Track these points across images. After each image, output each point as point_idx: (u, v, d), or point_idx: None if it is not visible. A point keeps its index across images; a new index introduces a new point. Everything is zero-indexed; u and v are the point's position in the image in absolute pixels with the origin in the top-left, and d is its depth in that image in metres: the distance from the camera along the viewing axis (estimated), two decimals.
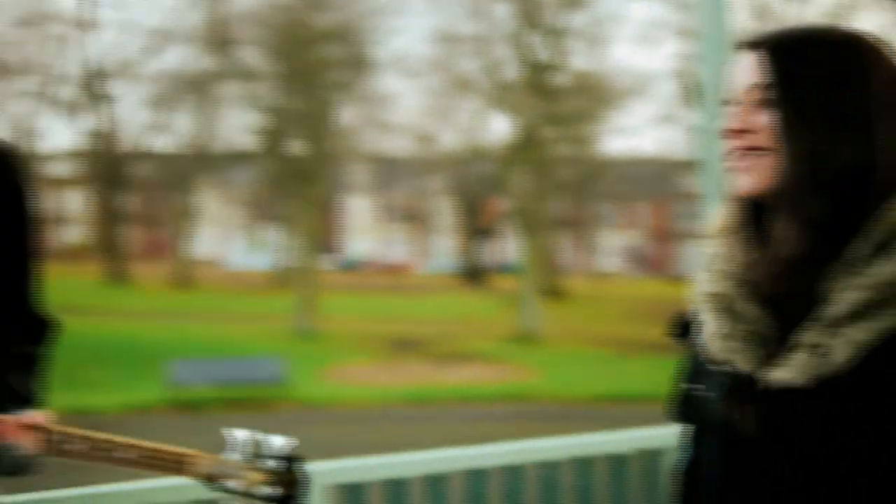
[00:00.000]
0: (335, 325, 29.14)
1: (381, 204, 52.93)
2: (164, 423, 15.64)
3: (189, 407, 17.56)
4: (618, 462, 3.54)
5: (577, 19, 33.11)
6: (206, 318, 29.78)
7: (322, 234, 39.58)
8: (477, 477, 3.37)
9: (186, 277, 40.82)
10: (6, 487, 2.34)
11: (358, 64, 32.88)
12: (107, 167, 40.76)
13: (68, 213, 62.20)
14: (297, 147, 33.16)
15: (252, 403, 18.58)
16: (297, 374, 21.04)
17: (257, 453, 2.28)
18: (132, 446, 2.20)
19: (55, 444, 2.16)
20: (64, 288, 37.66)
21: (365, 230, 53.61)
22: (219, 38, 32.70)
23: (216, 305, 33.55)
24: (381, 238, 53.40)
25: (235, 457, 2.25)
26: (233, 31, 32.97)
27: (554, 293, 37.01)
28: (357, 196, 51.13)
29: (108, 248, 42.27)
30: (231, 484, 2.24)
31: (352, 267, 50.04)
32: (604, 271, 47.47)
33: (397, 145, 39.66)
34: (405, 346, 27.32)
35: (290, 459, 2.29)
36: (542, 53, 32.15)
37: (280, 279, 39.72)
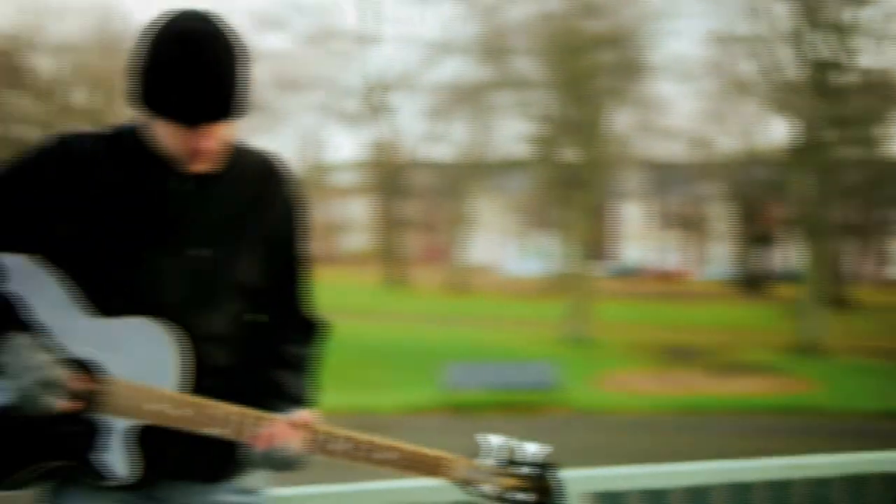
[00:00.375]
0: (607, 331, 29.00)
1: (655, 210, 52.19)
2: (438, 424, 16.04)
3: (462, 410, 17.93)
4: (893, 482, 3.35)
5: (864, 15, 31.46)
6: (480, 322, 30.35)
7: (595, 240, 39.47)
8: (741, 491, 3.27)
9: (462, 282, 41.74)
10: (277, 481, 2.47)
11: (631, 69, 32.59)
12: (387, 176, 42.34)
13: (353, 220, 65.04)
14: (569, 154, 33.23)
15: (523, 407, 18.77)
16: (568, 380, 21.09)
17: (511, 459, 2.31)
18: (392, 448, 2.26)
19: (320, 444, 2.25)
20: (347, 291, 39.38)
21: (638, 236, 53.02)
22: (493, 48, 33.26)
23: (490, 310, 34.13)
24: (655, 244, 52.64)
25: (490, 462, 2.29)
26: (507, 40, 33.45)
27: (838, 302, 35.31)
28: (630, 202, 50.67)
29: (388, 253, 43.87)
30: (485, 488, 2.28)
31: (625, 274, 49.63)
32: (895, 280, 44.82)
33: (671, 150, 39.03)
34: (678, 355, 26.82)
35: (544, 466, 2.31)
36: (825, 52, 30.75)
37: (553, 285, 39.93)
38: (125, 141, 2.29)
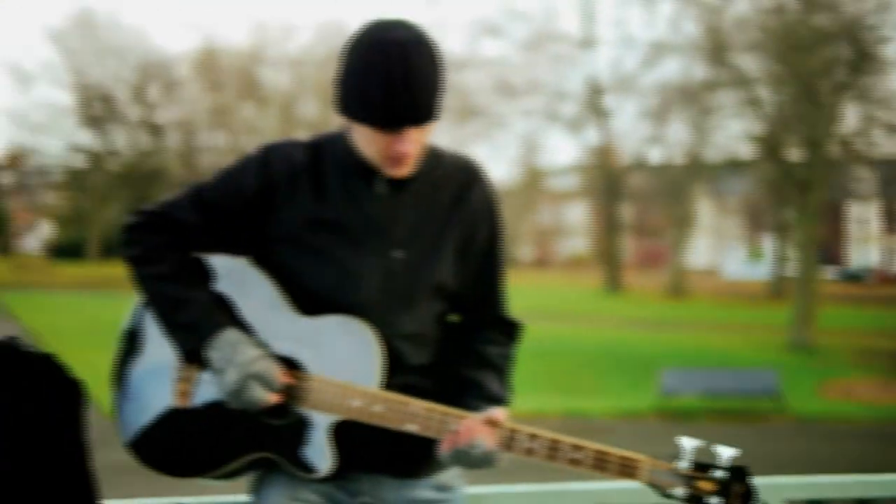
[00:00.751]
0: (831, 337, 27.87)
1: (886, 210, 49.74)
2: (652, 430, 15.85)
3: (679, 416, 17.65)
4: None
5: None
6: (699, 327, 29.76)
7: (822, 243, 37.97)
8: None
9: (680, 287, 41.02)
10: (473, 478, 2.54)
11: (862, 63, 31.20)
12: (606, 179, 42.10)
13: (570, 224, 64.99)
14: (795, 153, 32.12)
15: (742, 415, 18.31)
16: (791, 388, 20.42)
17: (704, 462, 2.29)
18: (580, 447, 2.28)
19: (511, 442, 2.29)
20: (563, 295, 39.42)
21: (870, 238, 50.69)
22: (714, 46, 32.53)
23: (709, 315, 33.42)
24: (885, 246, 50.18)
25: (683, 465, 2.28)
26: (728, 38, 32.66)
27: None
28: (862, 203, 48.48)
29: (605, 257, 43.59)
30: (678, 491, 2.27)
31: (854, 277, 47.54)
32: None
33: None
34: None
35: (739, 471, 2.27)
36: None
37: (778, 290, 38.69)
38: (330, 148, 2.40)
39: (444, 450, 2.29)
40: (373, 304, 2.35)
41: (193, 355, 2.34)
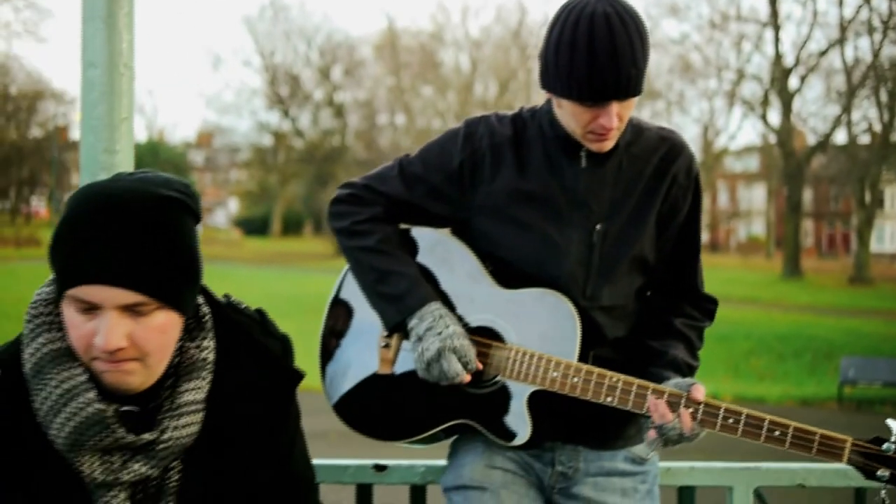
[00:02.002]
0: None
1: None
2: (832, 419, 15.49)
3: (859, 405, 17.17)
4: None
5: None
6: (883, 315, 28.69)
7: None
8: None
9: (864, 273, 39.54)
10: (673, 454, 2.56)
11: None
12: (787, 162, 40.90)
13: (750, 207, 63.31)
14: None
15: None
16: None
17: None
18: (779, 424, 2.23)
19: (708, 417, 2.26)
20: (741, 280, 38.52)
21: None
22: None
23: (894, 303, 32.15)
24: None
25: (891, 447, 2.20)
26: None
27: None
28: None
29: (786, 242, 42.40)
30: (884, 474, 2.20)
31: None
32: None
33: None
34: None
35: None
36: None
37: None
38: (533, 122, 2.44)
39: (641, 423, 2.34)
40: (574, 277, 2.37)
41: (397, 325, 2.44)
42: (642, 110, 40.86)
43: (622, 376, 2.32)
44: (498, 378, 2.42)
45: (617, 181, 2.41)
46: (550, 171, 2.41)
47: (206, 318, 1.90)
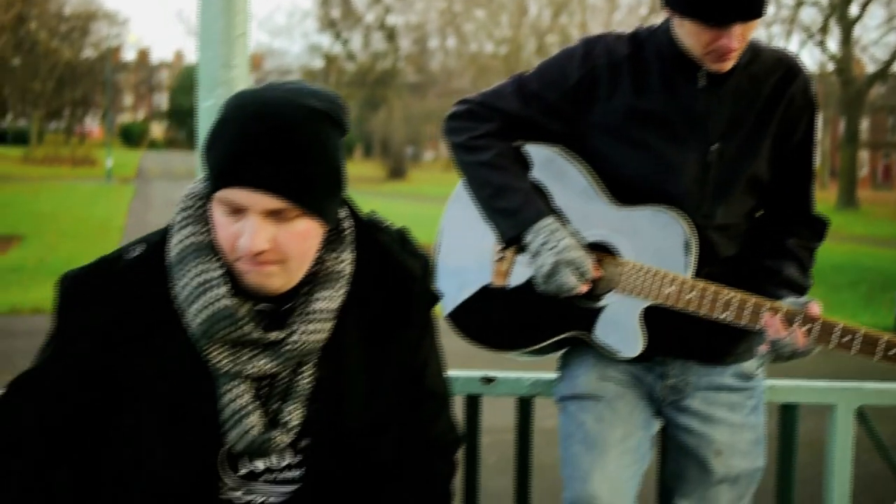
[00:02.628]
0: None
1: None
2: None
3: None
4: None
5: None
6: None
7: None
8: None
9: None
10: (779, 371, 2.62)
11: None
12: (845, 91, 40.19)
13: None
14: None
15: None
16: None
17: None
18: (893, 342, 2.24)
19: (823, 334, 2.29)
20: None
21: None
22: None
23: None
24: None
25: None
26: None
27: None
28: None
29: (841, 172, 41.85)
30: None
31: None
32: None
33: None
34: None
35: None
36: None
37: None
38: (651, 41, 2.46)
39: (762, 349, 2.35)
40: (689, 196, 2.41)
41: (512, 239, 2.49)
42: None
43: (738, 292, 2.35)
44: (612, 292, 2.47)
45: (734, 102, 2.42)
46: (668, 91, 2.43)
47: (347, 232, 1.95)
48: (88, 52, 58.19)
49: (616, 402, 2.52)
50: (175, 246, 1.87)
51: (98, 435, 1.89)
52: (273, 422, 1.87)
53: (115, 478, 1.89)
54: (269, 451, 1.88)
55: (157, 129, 64.35)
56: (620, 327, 2.47)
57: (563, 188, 2.54)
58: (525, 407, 2.86)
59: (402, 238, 2.05)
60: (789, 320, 2.30)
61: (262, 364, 1.85)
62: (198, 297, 1.82)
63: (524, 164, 2.56)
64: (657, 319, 2.45)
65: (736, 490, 2.56)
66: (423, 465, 2.05)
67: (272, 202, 1.77)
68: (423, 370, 2.05)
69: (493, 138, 2.54)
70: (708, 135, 2.42)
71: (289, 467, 1.92)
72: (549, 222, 2.44)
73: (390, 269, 1.99)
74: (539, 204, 2.48)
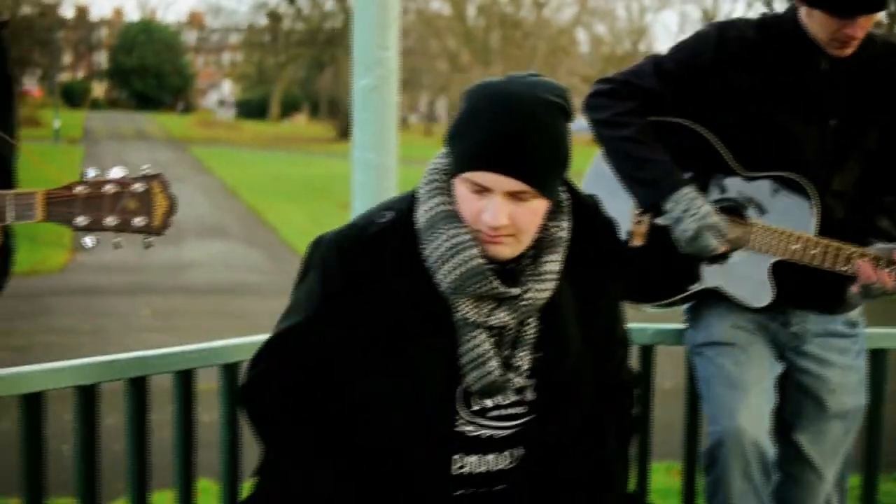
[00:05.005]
0: None
1: None
2: None
3: None
4: None
5: None
6: None
7: None
8: None
9: None
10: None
11: None
12: None
13: None
14: None
15: None
16: None
17: None
18: None
19: None
20: None
21: None
22: None
23: None
24: None
25: None
26: None
27: None
28: None
29: None
30: None
31: None
32: None
33: None
34: None
35: None
36: None
37: None
38: (778, 27, 2.80)
39: (853, 290, 2.69)
40: (809, 165, 2.75)
41: (652, 206, 2.83)
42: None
43: (855, 247, 2.69)
44: (742, 249, 2.81)
45: (851, 83, 2.78)
46: (793, 72, 2.77)
47: (564, 203, 2.25)
48: (26, 10, 57.08)
49: (749, 348, 2.86)
50: (425, 213, 2.17)
51: (347, 381, 2.20)
52: (507, 365, 2.18)
53: (364, 413, 2.20)
54: (504, 391, 2.20)
55: (98, 89, 63.56)
56: (751, 281, 2.81)
57: (699, 158, 2.86)
58: (647, 355, 3.19)
59: (598, 206, 2.37)
60: (877, 264, 2.64)
61: (502, 315, 2.16)
62: (451, 256, 2.12)
63: (661, 138, 2.86)
64: (782, 273, 2.79)
65: (845, 424, 2.93)
66: (618, 401, 2.39)
67: (515, 185, 2.06)
68: (618, 317, 2.39)
69: (633, 115, 2.86)
70: (827, 112, 2.78)
71: (513, 404, 2.23)
72: (687, 191, 2.76)
73: (599, 233, 2.31)
74: (678, 174, 2.80)
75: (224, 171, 30.98)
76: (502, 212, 2.07)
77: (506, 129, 2.05)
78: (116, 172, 1.90)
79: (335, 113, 50.92)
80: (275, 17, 51.01)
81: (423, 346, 2.16)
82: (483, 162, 2.06)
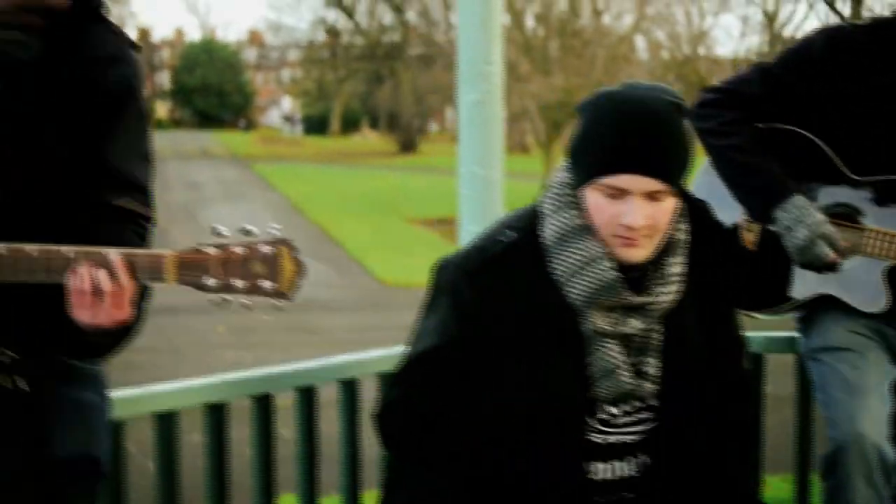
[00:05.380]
0: None
1: None
2: None
3: None
4: None
5: None
6: None
7: None
8: None
9: None
10: None
11: None
12: None
13: None
14: None
15: None
16: None
17: None
18: None
19: None
20: None
21: None
22: None
23: None
24: None
25: None
26: None
27: None
28: None
29: None
30: None
31: None
32: None
33: None
34: None
35: None
36: None
37: None
38: (891, 30, 2.80)
39: None
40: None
41: (762, 215, 2.81)
42: None
43: None
44: (857, 255, 2.80)
45: None
46: None
47: (682, 206, 2.28)
48: None
49: (866, 353, 2.84)
50: (553, 227, 2.21)
51: (480, 398, 2.24)
52: (637, 373, 2.21)
53: (495, 426, 2.24)
54: (634, 398, 2.22)
55: (162, 109, 64.55)
56: (865, 285, 2.81)
57: (810, 167, 2.86)
58: (758, 363, 3.18)
59: (709, 209, 2.39)
60: None
61: (635, 323, 2.20)
62: (581, 269, 2.16)
63: (769, 146, 2.86)
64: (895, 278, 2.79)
65: None
66: (738, 405, 2.40)
67: (652, 184, 2.11)
68: (734, 324, 2.42)
69: (740, 124, 2.87)
70: None
71: (638, 410, 2.26)
72: (798, 199, 2.76)
73: (715, 235, 2.35)
74: (787, 182, 2.79)
75: (288, 188, 31.26)
76: (643, 212, 2.12)
77: (639, 131, 2.10)
78: (243, 231, 1.89)
79: (395, 126, 51.17)
80: (333, 32, 51.39)
81: (553, 357, 2.20)
82: (621, 164, 2.11)
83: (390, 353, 2.83)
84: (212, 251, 1.87)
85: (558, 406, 2.20)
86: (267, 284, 1.88)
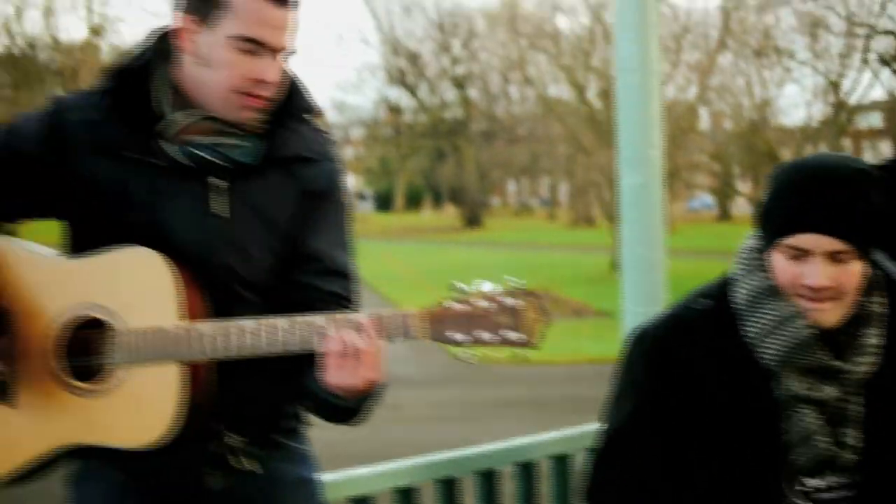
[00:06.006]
0: None
1: None
2: None
3: None
4: None
5: None
6: None
7: None
8: None
9: None
10: None
11: None
12: None
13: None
14: None
15: None
16: None
17: None
18: None
19: None
20: None
21: None
22: None
23: None
24: None
25: None
26: None
27: None
28: None
29: None
30: None
31: None
32: None
33: None
34: None
35: None
36: None
37: None
38: None
39: None
40: None
41: None
42: (767, 71, 40.28)
43: None
44: None
45: None
46: None
47: (876, 278, 2.27)
48: None
49: None
50: (745, 290, 2.23)
51: (679, 468, 2.24)
52: (837, 443, 2.19)
53: (694, 493, 2.23)
54: (835, 469, 2.21)
55: None
56: None
57: None
58: None
59: None
60: None
61: (830, 391, 2.18)
62: (775, 329, 2.17)
63: None
64: None
65: None
66: None
67: (834, 244, 2.12)
68: None
69: None
70: None
71: (841, 486, 2.23)
72: None
73: None
74: None
75: (365, 264, 31.45)
76: (823, 273, 2.12)
77: (820, 191, 2.13)
78: (486, 287, 1.96)
79: (459, 201, 51.48)
80: (396, 110, 52.08)
81: (747, 423, 2.21)
82: (802, 224, 2.13)
83: (565, 434, 2.84)
84: (456, 306, 1.93)
85: (754, 473, 2.19)
86: (512, 335, 1.92)
